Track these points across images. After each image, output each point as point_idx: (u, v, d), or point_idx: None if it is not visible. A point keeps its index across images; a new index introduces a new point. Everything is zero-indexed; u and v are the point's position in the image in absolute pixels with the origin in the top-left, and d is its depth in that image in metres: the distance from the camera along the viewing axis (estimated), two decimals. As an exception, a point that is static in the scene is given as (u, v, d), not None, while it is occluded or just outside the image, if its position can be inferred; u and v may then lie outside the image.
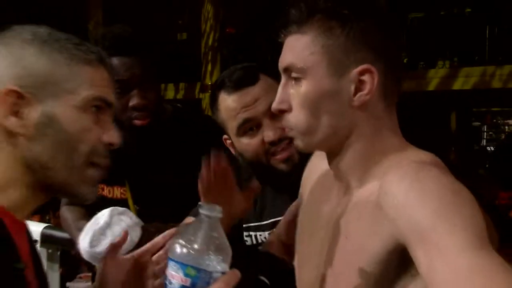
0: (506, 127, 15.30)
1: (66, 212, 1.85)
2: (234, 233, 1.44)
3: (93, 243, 1.53)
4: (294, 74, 0.90)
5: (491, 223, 1.15)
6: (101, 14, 12.32)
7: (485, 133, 15.05)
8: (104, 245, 1.50)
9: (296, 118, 0.90)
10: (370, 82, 0.88)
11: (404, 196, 0.81)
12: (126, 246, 1.45)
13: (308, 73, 0.88)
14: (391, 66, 0.89)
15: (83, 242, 1.55)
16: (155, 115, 1.53)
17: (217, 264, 0.86)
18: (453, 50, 10.15)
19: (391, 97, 0.91)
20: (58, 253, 2.07)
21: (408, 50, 10.49)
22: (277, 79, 1.34)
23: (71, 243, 1.87)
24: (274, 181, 1.22)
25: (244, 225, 1.46)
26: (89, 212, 1.78)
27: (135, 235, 1.55)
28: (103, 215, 1.55)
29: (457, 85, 9.91)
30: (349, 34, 0.87)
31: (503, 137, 14.70)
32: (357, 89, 0.88)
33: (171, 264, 0.87)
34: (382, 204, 0.83)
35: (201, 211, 0.87)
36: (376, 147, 0.90)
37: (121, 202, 1.72)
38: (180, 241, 0.88)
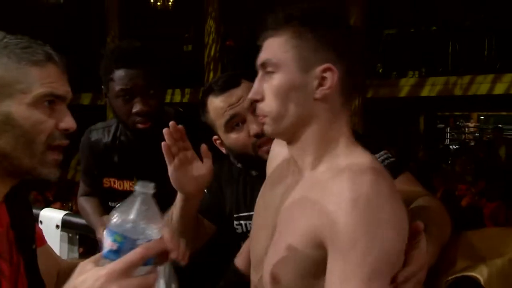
0: (466, 129, 15.34)
1: (83, 202, 1.85)
2: (226, 222, 1.45)
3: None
4: (268, 68, 0.93)
5: (446, 212, 1.14)
6: (118, 29, 12.30)
7: (448, 134, 15.08)
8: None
9: (268, 106, 0.93)
10: (331, 78, 0.90)
11: (345, 203, 0.82)
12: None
13: (280, 67, 0.91)
14: (351, 67, 0.92)
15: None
16: (156, 119, 1.53)
17: (143, 233, 0.84)
18: (421, 62, 10.16)
19: (349, 94, 0.94)
20: (77, 236, 2.06)
21: (383, 61, 10.50)
22: None
23: (88, 229, 1.87)
24: (262, 171, 1.22)
25: (235, 215, 1.46)
26: (102, 201, 1.79)
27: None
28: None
29: (424, 92, 9.92)
30: (317, 38, 0.91)
31: (463, 137, 14.73)
32: (320, 84, 0.91)
33: (106, 232, 0.87)
34: (328, 197, 0.84)
35: (136, 188, 0.89)
36: (330, 135, 0.93)
37: (130, 194, 1.72)
38: (116, 213, 0.87)
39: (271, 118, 0.93)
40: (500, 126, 12.60)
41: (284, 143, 0.99)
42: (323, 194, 0.86)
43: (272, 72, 0.92)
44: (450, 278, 0.93)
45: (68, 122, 0.89)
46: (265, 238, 0.98)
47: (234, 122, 1.33)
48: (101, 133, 1.73)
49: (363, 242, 0.80)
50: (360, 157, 0.90)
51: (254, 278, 1.04)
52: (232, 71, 1.38)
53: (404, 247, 0.84)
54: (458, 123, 15.34)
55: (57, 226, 1.94)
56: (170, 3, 11.22)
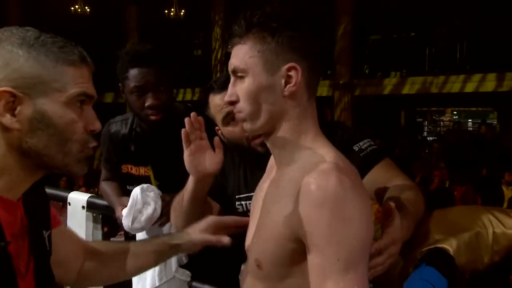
0: (441, 123, 15.31)
1: (105, 186, 1.86)
2: (228, 202, 1.45)
3: (133, 222, 1.54)
4: (238, 74, 0.91)
5: (420, 193, 1.14)
6: (137, 36, 12.30)
7: (426, 127, 15.05)
8: (141, 221, 1.53)
9: (242, 107, 0.91)
10: (296, 76, 0.88)
11: (314, 203, 0.80)
12: (155, 215, 1.51)
13: (248, 72, 0.89)
14: (313, 65, 0.90)
15: (126, 221, 1.56)
16: (166, 111, 1.53)
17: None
18: (402, 64, 10.16)
19: (313, 89, 0.92)
20: (100, 216, 2.06)
21: (369, 63, 10.49)
22: None
23: (110, 209, 1.87)
24: (253, 160, 1.22)
25: (236, 196, 1.46)
26: (121, 184, 1.80)
27: (159, 205, 1.57)
28: (136, 195, 1.56)
29: (405, 90, 9.91)
30: (278, 41, 0.88)
31: (438, 129, 14.69)
32: (286, 82, 0.88)
33: None
34: (300, 197, 0.82)
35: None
36: (300, 129, 0.91)
37: (145, 178, 1.72)
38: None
39: (246, 117, 0.91)
40: (459, 121, 12.69)
41: None
42: (296, 192, 0.83)
43: (242, 77, 0.90)
44: (424, 249, 0.93)
45: (96, 124, 0.83)
46: (252, 227, 0.98)
47: (230, 118, 1.33)
48: (119, 125, 1.74)
49: (336, 238, 0.79)
50: (324, 153, 0.88)
51: (247, 262, 1.02)
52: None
53: (372, 234, 0.83)
54: (434, 117, 15.32)
55: (83, 207, 1.94)
56: (182, 14, 11.19)
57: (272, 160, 1.01)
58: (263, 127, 0.91)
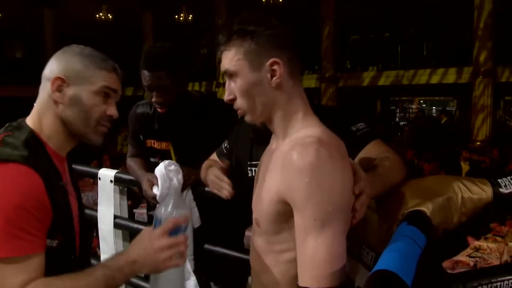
0: (410, 110, 15.27)
1: (131, 162, 1.84)
2: (240, 168, 1.46)
3: (162, 196, 1.53)
4: (229, 75, 0.90)
5: (401, 163, 1.10)
6: (152, 37, 12.18)
7: (398, 114, 15.02)
8: (170, 194, 1.52)
9: (240, 103, 0.91)
10: (279, 69, 0.87)
11: (294, 171, 0.80)
12: (178, 185, 1.50)
13: (238, 73, 0.88)
14: (292, 56, 0.89)
15: (159, 196, 1.56)
16: (171, 105, 1.55)
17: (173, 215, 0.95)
18: (378, 59, 10.10)
19: (296, 76, 0.91)
20: (126, 189, 2.05)
21: (350, 59, 10.44)
22: None
23: (133, 182, 1.86)
24: (263, 134, 1.23)
25: (248, 163, 1.46)
26: (145, 159, 1.79)
27: (180, 177, 1.56)
28: (162, 172, 1.52)
29: (381, 82, 9.88)
30: (258, 42, 0.87)
31: (407, 116, 14.66)
32: (272, 76, 0.88)
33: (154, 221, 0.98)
34: (285, 166, 0.83)
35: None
36: (290, 111, 0.90)
37: (166, 152, 1.72)
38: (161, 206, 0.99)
39: (245, 111, 0.91)
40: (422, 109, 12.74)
41: None
42: (283, 162, 0.84)
43: (233, 77, 0.89)
44: (405, 211, 0.92)
45: (113, 111, 0.99)
46: (255, 193, 0.97)
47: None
48: (145, 107, 1.73)
49: (312, 201, 0.79)
50: (312, 130, 0.87)
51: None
52: None
53: (350, 197, 0.82)
54: (404, 105, 15.29)
55: (111, 181, 1.93)
56: (190, 18, 11.06)
57: (273, 137, 1.00)
58: (261, 116, 0.91)
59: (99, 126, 0.98)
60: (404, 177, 1.05)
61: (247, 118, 0.92)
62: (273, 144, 0.97)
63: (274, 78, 0.87)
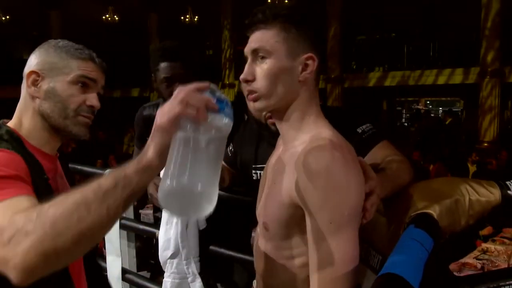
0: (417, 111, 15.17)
1: None
2: (245, 171, 1.46)
3: None
4: (261, 54, 0.85)
5: (408, 165, 1.09)
6: (158, 39, 12.23)
7: (404, 114, 14.93)
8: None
9: (260, 84, 0.86)
10: (312, 65, 0.86)
11: (309, 174, 0.78)
12: None
13: (272, 54, 0.85)
14: (321, 57, 0.88)
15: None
16: None
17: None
18: (384, 60, 10.06)
19: (318, 80, 0.90)
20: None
21: (356, 59, 10.41)
22: None
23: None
24: (269, 136, 1.21)
25: (253, 166, 1.46)
26: None
27: None
28: None
29: (387, 83, 9.84)
30: (300, 32, 0.86)
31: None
32: (303, 69, 0.86)
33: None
34: (298, 169, 0.80)
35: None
36: (306, 111, 0.88)
37: None
38: None
39: (262, 95, 0.86)
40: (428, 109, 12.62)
41: None
42: (297, 165, 0.81)
43: (264, 58, 0.85)
44: (412, 214, 0.91)
45: (93, 101, 0.95)
46: (262, 195, 0.96)
47: None
48: (151, 109, 1.73)
49: (328, 204, 0.77)
50: (324, 132, 0.85)
51: (258, 226, 1.00)
52: None
53: (362, 201, 0.81)
54: (411, 106, 15.20)
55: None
56: (195, 20, 11.09)
57: (279, 140, 0.98)
58: (276, 106, 0.87)
59: (79, 116, 0.94)
60: (411, 179, 1.04)
61: (259, 104, 0.87)
62: (280, 147, 0.96)
63: (305, 72, 0.85)
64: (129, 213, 2.00)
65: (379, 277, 0.68)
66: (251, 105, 0.89)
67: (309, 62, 0.85)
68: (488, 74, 7.63)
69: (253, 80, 0.86)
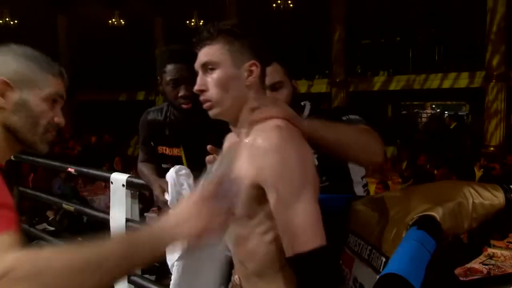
0: (423, 115, 15.06)
1: (142, 167, 1.79)
2: None
3: (173, 201, 1.54)
4: (210, 66, 0.96)
5: (370, 137, 1.08)
6: (163, 43, 12.30)
7: (420, 119, 14.77)
8: (180, 201, 1.53)
9: (212, 93, 0.96)
10: (256, 70, 0.96)
11: (262, 153, 0.88)
12: (189, 190, 1.50)
13: (220, 65, 0.95)
14: (264, 62, 1.00)
15: (171, 201, 1.56)
16: (196, 102, 1.52)
17: None
18: (389, 64, 10.05)
19: (263, 81, 1.00)
20: (137, 193, 2.08)
21: (361, 63, 10.40)
22: (287, 67, 1.39)
23: (145, 187, 1.88)
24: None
25: None
26: (156, 165, 1.79)
27: (191, 182, 1.56)
28: (172, 177, 1.53)
29: (391, 87, 9.81)
30: (242, 43, 0.96)
31: (419, 121, 14.44)
32: (248, 75, 0.96)
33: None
34: (252, 152, 0.90)
35: None
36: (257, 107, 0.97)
37: (177, 158, 1.72)
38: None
39: (215, 103, 0.96)
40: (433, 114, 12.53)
41: (232, 135, 1.06)
42: (251, 150, 0.90)
43: (213, 69, 0.95)
44: (415, 216, 0.92)
45: (60, 118, 0.94)
46: None
47: None
48: (155, 113, 1.73)
49: (285, 175, 0.86)
50: (272, 121, 0.93)
51: None
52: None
53: (312, 167, 0.90)
54: (416, 110, 15.11)
55: (123, 185, 1.96)
56: (201, 24, 11.16)
57: (228, 139, 1.08)
58: (228, 110, 0.97)
59: (47, 133, 0.93)
60: (375, 144, 1.06)
61: (215, 111, 0.97)
62: (234, 141, 1.03)
63: (250, 77, 0.95)
64: (135, 215, 2.02)
65: (380, 277, 0.69)
66: (209, 113, 0.98)
67: (253, 68, 0.96)
68: (494, 78, 7.60)
69: (206, 90, 0.97)
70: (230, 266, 1.08)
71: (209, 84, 0.96)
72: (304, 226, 0.86)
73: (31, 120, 0.90)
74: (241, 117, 0.97)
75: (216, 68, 0.95)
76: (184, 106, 1.56)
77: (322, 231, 0.87)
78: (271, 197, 0.88)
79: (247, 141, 0.94)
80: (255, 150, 0.88)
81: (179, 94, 1.54)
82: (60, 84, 0.95)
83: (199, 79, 0.97)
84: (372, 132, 1.12)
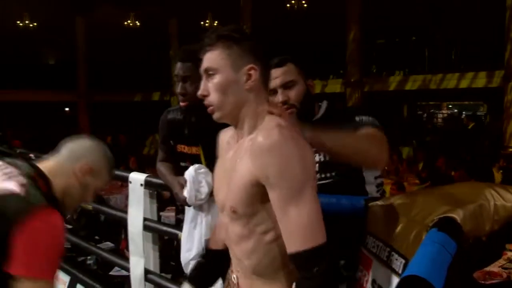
0: (440, 115, 14.84)
1: (161, 167, 1.81)
2: None
3: (195, 198, 1.56)
4: (210, 72, 0.99)
5: (377, 135, 1.18)
6: (178, 43, 12.43)
7: (425, 119, 14.60)
8: (201, 197, 1.56)
9: (213, 97, 0.99)
10: (254, 74, 0.98)
11: (264, 152, 0.90)
12: (210, 189, 1.54)
13: (219, 70, 0.98)
14: (265, 66, 1.02)
15: (190, 199, 1.58)
16: (193, 101, 1.58)
17: None
18: (405, 63, 9.94)
19: (266, 83, 1.02)
20: (155, 192, 2.10)
21: (376, 63, 10.31)
22: (301, 67, 1.39)
23: (163, 187, 1.89)
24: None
25: None
26: (175, 164, 1.81)
27: (209, 180, 1.58)
28: (192, 176, 1.55)
29: (407, 87, 9.70)
30: (240, 47, 0.98)
31: (435, 121, 14.23)
32: (247, 79, 0.98)
33: None
34: (253, 151, 0.92)
35: None
36: (257, 112, 1.00)
37: (196, 156, 1.74)
38: None
39: (217, 107, 0.98)
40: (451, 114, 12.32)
41: (224, 132, 1.11)
42: (252, 149, 0.92)
43: (213, 74, 0.98)
44: (435, 218, 0.91)
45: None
46: (225, 186, 1.02)
47: (270, 92, 1.36)
48: (175, 113, 1.76)
49: (287, 173, 0.88)
50: (273, 121, 0.96)
51: (221, 217, 1.10)
52: (283, 55, 1.40)
53: (313, 165, 0.95)
54: (432, 110, 14.90)
55: (141, 185, 1.98)
56: (215, 25, 11.21)
57: (226, 138, 1.11)
58: (230, 113, 1.00)
59: (75, 209, 1.12)
60: (377, 150, 1.14)
61: (216, 115, 1.00)
62: (234, 144, 1.05)
63: (249, 81, 0.97)
64: (153, 215, 2.04)
65: (402, 279, 0.69)
66: (213, 117, 1.01)
67: (251, 72, 0.98)
68: (513, 78, 7.45)
69: (208, 95, 1.00)
70: (226, 263, 1.10)
71: (210, 89, 0.99)
72: (306, 224, 0.88)
73: (81, 199, 1.17)
74: (242, 120, 1.00)
75: (215, 73, 0.98)
76: (181, 103, 1.63)
77: (323, 229, 0.90)
78: (273, 195, 0.91)
79: (251, 139, 0.96)
80: (257, 149, 0.91)
81: (176, 91, 1.62)
82: (107, 183, 1.18)
83: (202, 84, 1.01)
84: (377, 136, 1.17)
